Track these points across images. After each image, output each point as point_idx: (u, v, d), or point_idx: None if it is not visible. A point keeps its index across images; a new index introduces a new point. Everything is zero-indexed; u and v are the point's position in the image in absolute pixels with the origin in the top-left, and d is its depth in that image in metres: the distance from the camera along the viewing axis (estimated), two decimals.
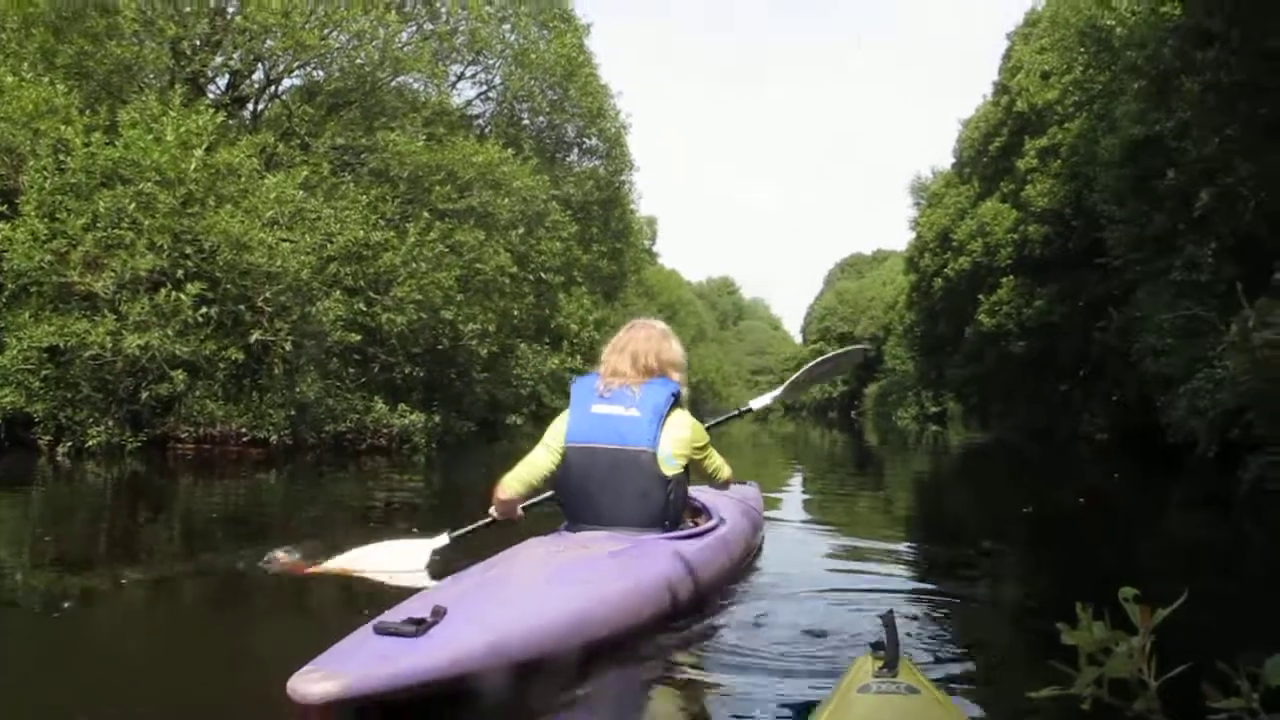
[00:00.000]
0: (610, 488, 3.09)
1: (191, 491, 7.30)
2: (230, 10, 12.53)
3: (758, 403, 4.38)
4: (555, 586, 2.47)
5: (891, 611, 1.79)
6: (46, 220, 9.00)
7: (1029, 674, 2.45)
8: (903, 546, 5.24)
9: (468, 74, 18.94)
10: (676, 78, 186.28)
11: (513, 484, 3.27)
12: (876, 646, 1.72)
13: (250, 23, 11.94)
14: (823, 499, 8.27)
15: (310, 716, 1.75)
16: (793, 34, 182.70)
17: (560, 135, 21.85)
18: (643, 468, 3.08)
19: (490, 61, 18.71)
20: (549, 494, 3.36)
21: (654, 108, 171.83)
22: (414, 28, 15.59)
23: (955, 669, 2.46)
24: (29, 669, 2.43)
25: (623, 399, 3.17)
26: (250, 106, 14.12)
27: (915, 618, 2.99)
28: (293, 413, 10.21)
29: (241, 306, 9.90)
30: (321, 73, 13.90)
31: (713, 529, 3.31)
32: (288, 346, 10.08)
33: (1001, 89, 23.11)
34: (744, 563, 3.69)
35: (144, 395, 9.31)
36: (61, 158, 9.41)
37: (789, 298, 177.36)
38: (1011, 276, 21.85)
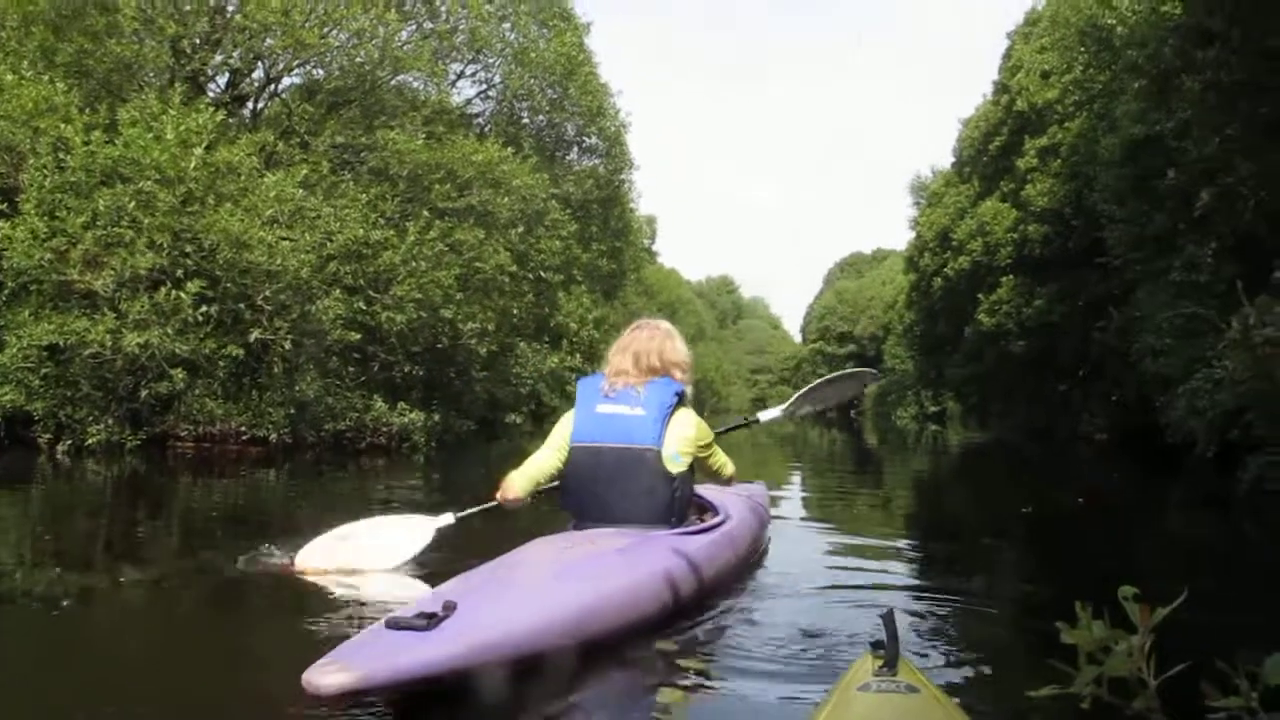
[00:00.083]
0: (617, 486, 3.13)
1: (191, 490, 7.30)
2: (230, 9, 12.53)
3: (765, 415, 4.47)
4: (563, 581, 2.50)
5: (891, 610, 1.79)
6: (46, 218, 9.00)
7: (1029, 673, 2.45)
8: (902, 546, 5.24)
9: (467, 72, 18.96)
10: (676, 76, 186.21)
11: (519, 482, 3.29)
12: (876, 645, 1.73)
13: (250, 21, 11.94)
14: (822, 498, 8.28)
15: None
16: (793, 32, 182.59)
17: (560, 134, 21.86)
18: (648, 466, 3.12)
19: (490, 60, 18.73)
20: (555, 483, 3.37)
21: (654, 106, 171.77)
22: (414, 26, 15.59)
23: (955, 668, 2.46)
24: (28, 668, 2.43)
25: (627, 398, 3.21)
26: (250, 105, 14.11)
27: (915, 617, 2.99)
28: (292, 411, 10.21)
29: (241, 305, 9.91)
30: (321, 71, 13.91)
31: (719, 525, 3.34)
32: (287, 345, 10.09)
33: (1002, 88, 23.12)
34: (751, 559, 3.72)
35: (144, 393, 9.32)
36: (61, 156, 9.41)
37: (788, 297, 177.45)
38: (1011, 276, 21.85)
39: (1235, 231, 10.32)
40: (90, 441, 8.97)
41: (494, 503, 3.39)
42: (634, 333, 3.41)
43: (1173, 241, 11.61)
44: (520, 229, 15.53)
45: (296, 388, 10.26)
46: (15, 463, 8.28)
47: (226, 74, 13.66)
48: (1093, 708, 1.06)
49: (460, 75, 18.73)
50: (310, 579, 3.38)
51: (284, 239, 10.10)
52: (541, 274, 17.66)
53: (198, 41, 12.26)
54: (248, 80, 13.80)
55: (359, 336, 11.11)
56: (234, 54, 12.92)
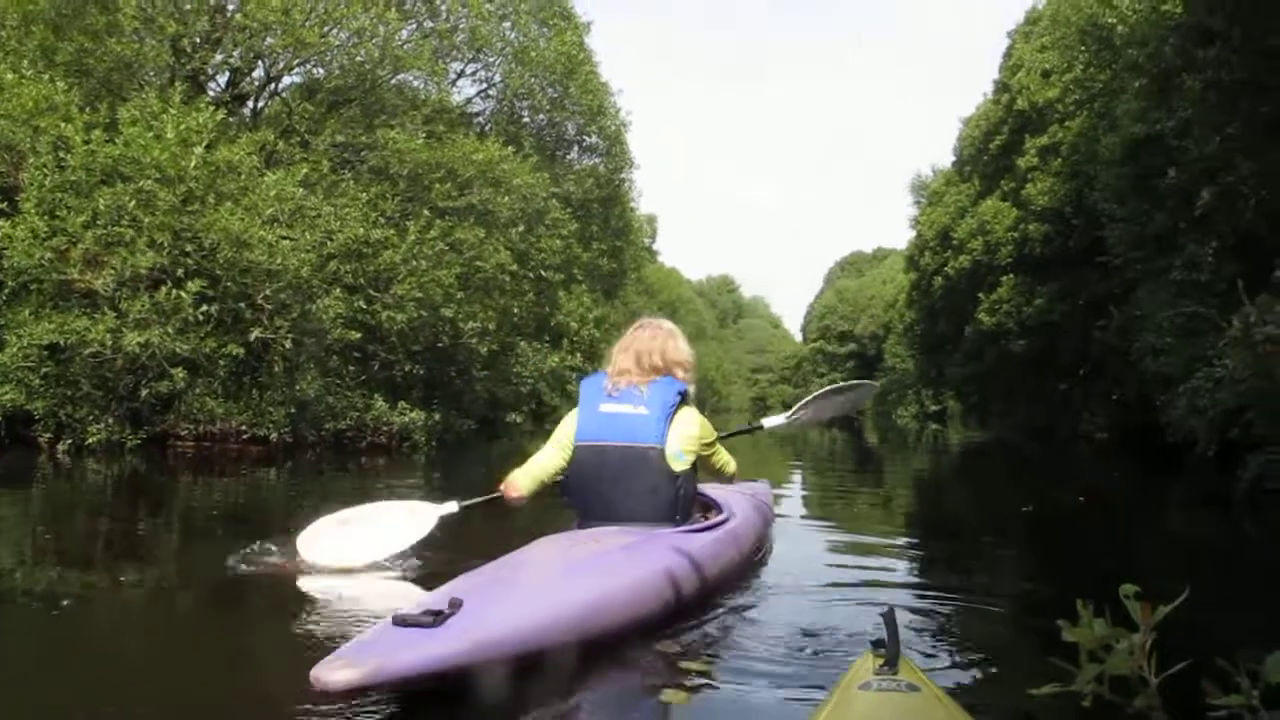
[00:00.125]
0: (621, 484, 3.16)
1: (191, 489, 7.30)
2: (230, 8, 12.54)
3: (769, 422, 4.52)
4: (568, 578, 2.52)
5: (892, 609, 1.79)
6: (46, 218, 9.00)
7: (1030, 671, 2.44)
8: (903, 544, 5.24)
9: (468, 71, 18.95)
10: (677, 75, 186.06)
11: (522, 480, 3.32)
12: (877, 644, 1.72)
13: (250, 20, 11.94)
14: (823, 497, 8.28)
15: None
16: (793, 32, 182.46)
17: (560, 133, 21.86)
18: (652, 464, 3.14)
19: (490, 59, 18.72)
20: (558, 478, 3.38)
21: (654, 105, 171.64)
22: (414, 25, 15.59)
23: (956, 666, 2.46)
24: (28, 667, 2.43)
25: (631, 397, 3.24)
26: (250, 104, 14.12)
27: (916, 615, 2.99)
28: (293, 410, 10.22)
29: (241, 304, 9.91)
30: (321, 70, 13.91)
31: (723, 523, 3.35)
32: (288, 344, 10.09)
33: (1002, 87, 23.12)
34: (755, 556, 3.74)
35: (144, 393, 9.32)
36: (61, 155, 9.41)
37: (789, 296, 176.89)
38: (1012, 275, 21.86)
39: (1236, 230, 10.31)
40: (90, 441, 8.97)
41: (497, 494, 3.41)
42: (636, 332, 3.43)
43: (1173, 240, 11.60)
44: (521, 228, 15.54)
45: (297, 387, 10.27)
46: (15, 462, 8.28)
47: (227, 73, 13.67)
48: (1094, 706, 1.06)
49: (460, 74, 18.74)
50: (310, 579, 3.38)
51: (284, 238, 10.10)
52: (542, 273, 17.66)
53: (198, 40, 12.26)
54: (248, 79, 13.81)
55: (359, 336, 11.12)
56: (234, 53, 12.93)
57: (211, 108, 10.53)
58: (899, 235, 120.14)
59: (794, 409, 4.67)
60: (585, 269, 22.30)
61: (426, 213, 12.58)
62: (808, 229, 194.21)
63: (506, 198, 14.53)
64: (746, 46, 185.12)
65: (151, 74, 12.02)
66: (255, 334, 9.92)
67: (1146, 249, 12.46)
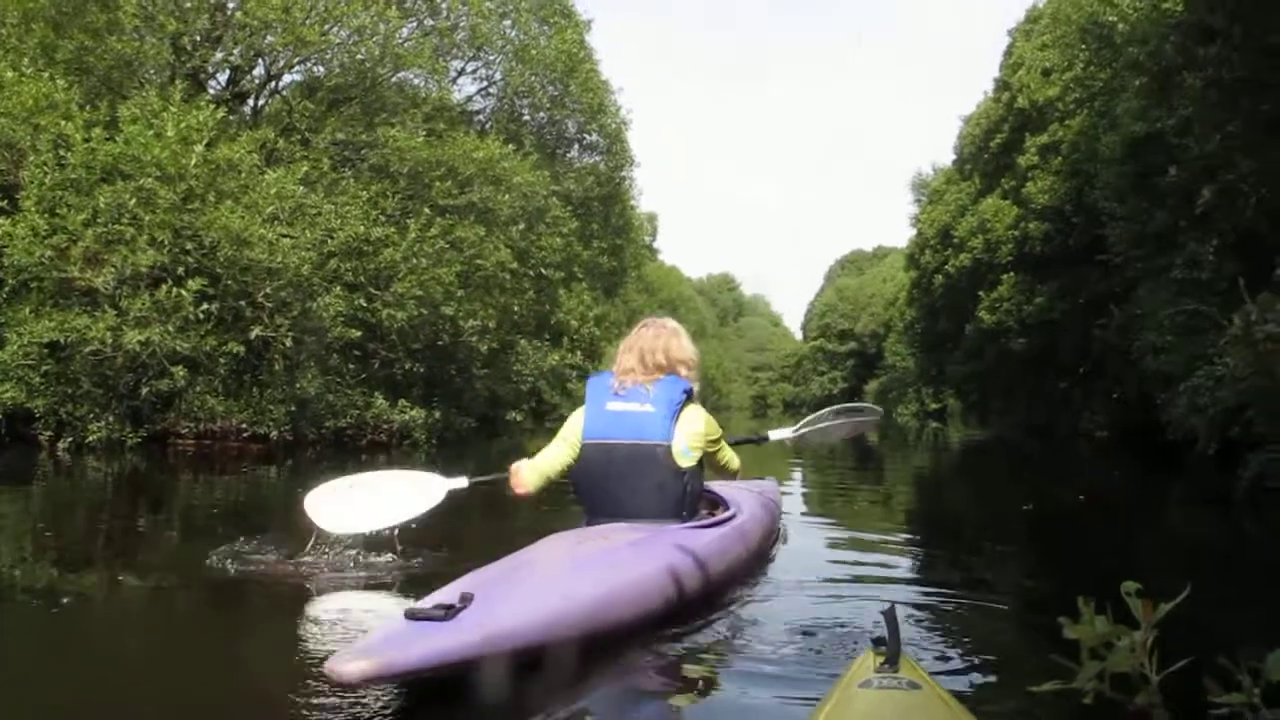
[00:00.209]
0: (628, 482, 3.19)
1: (192, 487, 7.30)
2: (231, 5, 12.54)
3: (775, 434, 4.52)
4: (577, 575, 2.55)
5: (893, 606, 1.78)
6: (47, 216, 9.00)
7: (1031, 669, 2.44)
8: (904, 542, 5.24)
9: (468, 70, 18.96)
10: (677, 74, 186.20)
11: (530, 476, 3.35)
12: (878, 642, 1.72)
13: (251, 18, 11.94)
14: (824, 494, 8.28)
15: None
16: (793, 31, 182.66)
17: (561, 131, 21.86)
18: (659, 461, 3.18)
19: (491, 57, 18.73)
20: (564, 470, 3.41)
21: (654, 104, 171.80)
22: (414, 23, 15.59)
23: (957, 664, 2.46)
24: (28, 666, 2.43)
25: (637, 396, 3.27)
26: (250, 102, 14.12)
27: (917, 613, 2.99)
28: (293, 408, 10.22)
29: (242, 302, 9.91)
30: (322, 68, 13.91)
31: (729, 520, 3.38)
32: (288, 342, 10.09)
33: (1002, 85, 23.11)
34: (761, 552, 3.76)
35: (144, 391, 9.32)
36: (62, 153, 9.42)
37: (789, 294, 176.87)
38: (1012, 273, 21.85)
39: (1236, 228, 10.30)
40: (91, 439, 8.98)
41: (505, 474, 3.43)
42: (640, 331, 3.45)
43: (1174, 239, 11.59)
44: (521, 226, 15.55)
45: (297, 385, 10.27)
46: (16, 460, 8.28)
47: (227, 71, 13.67)
48: (1095, 703, 1.06)
49: (461, 72, 18.74)
50: (310, 580, 3.38)
51: (285, 236, 10.10)
52: (542, 271, 17.66)
53: (198, 38, 12.26)
54: (248, 77, 13.81)
55: (360, 334, 11.12)
56: (235, 51, 12.92)
57: (212, 106, 10.54)
58: (899, 233, 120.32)
59: (800, 425, 4.69)
60: (585, 267, 22.30)
61: (427, 211, 12.58)
62: (808, 227, 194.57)
63: (507, 196, 14.53)
64: (746, 46, 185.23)
65: (152, 72, 12.02)
66: (255, 332, 9.92)
67: (1147, 247, 12.45)
